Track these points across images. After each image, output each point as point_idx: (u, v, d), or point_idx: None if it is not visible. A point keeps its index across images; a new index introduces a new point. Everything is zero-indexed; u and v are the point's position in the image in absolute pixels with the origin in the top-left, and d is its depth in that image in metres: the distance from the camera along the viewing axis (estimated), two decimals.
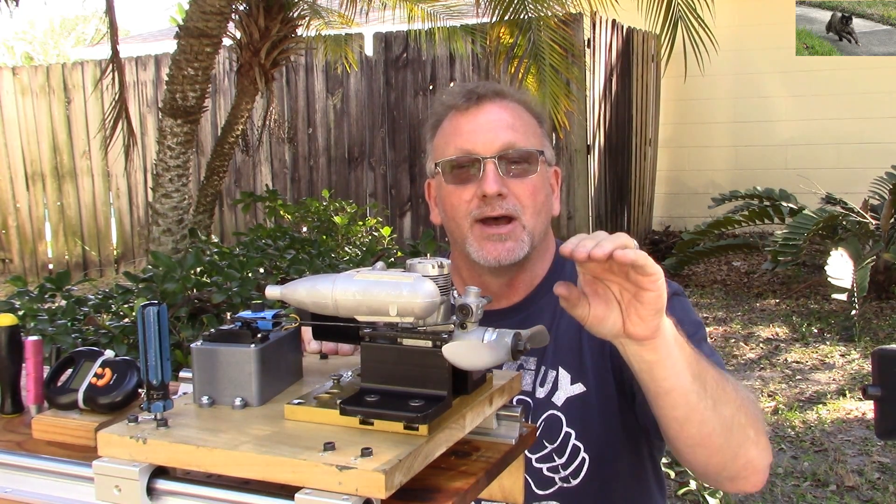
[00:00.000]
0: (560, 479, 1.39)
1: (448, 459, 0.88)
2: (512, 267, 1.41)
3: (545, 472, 1.38)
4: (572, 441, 1.38)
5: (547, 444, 1.38)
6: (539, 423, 1.39)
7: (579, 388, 1.40)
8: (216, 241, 5.50)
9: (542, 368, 1.42)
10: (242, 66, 5.91)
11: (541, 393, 1.41)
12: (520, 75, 5.52)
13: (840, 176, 8.40)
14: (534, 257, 1.44)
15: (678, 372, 1.09)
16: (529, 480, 1.38)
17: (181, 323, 3.10)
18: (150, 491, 0.81)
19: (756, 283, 7.45)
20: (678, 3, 5.23)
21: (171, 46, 5.58)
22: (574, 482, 1.38)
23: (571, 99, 5.92)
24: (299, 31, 6.28)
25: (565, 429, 1.38)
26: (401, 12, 7.28)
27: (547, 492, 1.40)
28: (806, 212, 6.53)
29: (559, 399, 1.39)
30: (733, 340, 5.83)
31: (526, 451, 1.07)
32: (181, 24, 5.13)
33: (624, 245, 0.96)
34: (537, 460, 1.38)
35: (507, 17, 5.39)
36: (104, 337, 2.93)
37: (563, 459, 1.38)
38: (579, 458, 1.38)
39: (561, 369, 1.41)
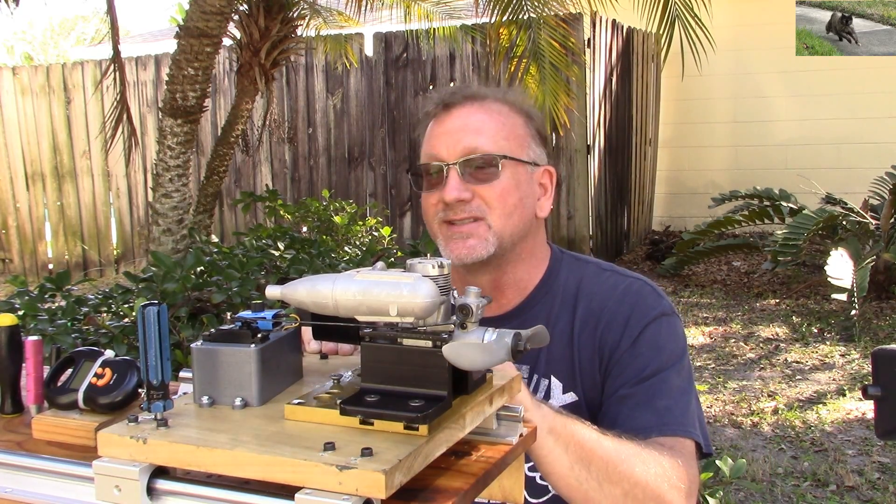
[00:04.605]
0: None
1: (448, 459, 0.88)
2: (484, 267, 1.41)
3: (538, 481, 1.39)
4: None
5: None
6: None
7: (571, 397, 1.40)
8: (216, 241, 5.50)
9: (535, 377, 1.42)
10: (242, 66, 5.91)
11: None
12: (520, 74, 5.52)
13: (840, 176, 8.40)
14: (514, 260, 1.44)
15: (552, 460, 1.14)
16: None
17: (181, 323, 3.10)
18: (150, 491, 0.81)
19: (756, 283, 7.45)
20: (675, 2, 5.23)
21: (171, 46, 5.58)
22: None
23: (572, 96, 5.92)
24: (299, 31, 6.28)
25: None
26: (400, 12, 7.28)
27: (540, 500, 1.41)
28: (806, 212, 6.53)
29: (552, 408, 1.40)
30: (733, 340, 5.83)
31: None
32: (181, 24, 5.13)
33: None
34: (531, 468, 1.38)
35: (506, 17, 5.39)
36: (104, 337, 2.93)
37: None
38: None
39: (553, 378, 1.41)
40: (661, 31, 5.33)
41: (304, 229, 6.08)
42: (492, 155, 1.39)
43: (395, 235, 6.24)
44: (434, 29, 7.42)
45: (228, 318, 2.81)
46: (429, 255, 0.92)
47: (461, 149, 1.38)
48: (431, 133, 1.43)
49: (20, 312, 3.02)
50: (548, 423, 1.12)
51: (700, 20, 5.23)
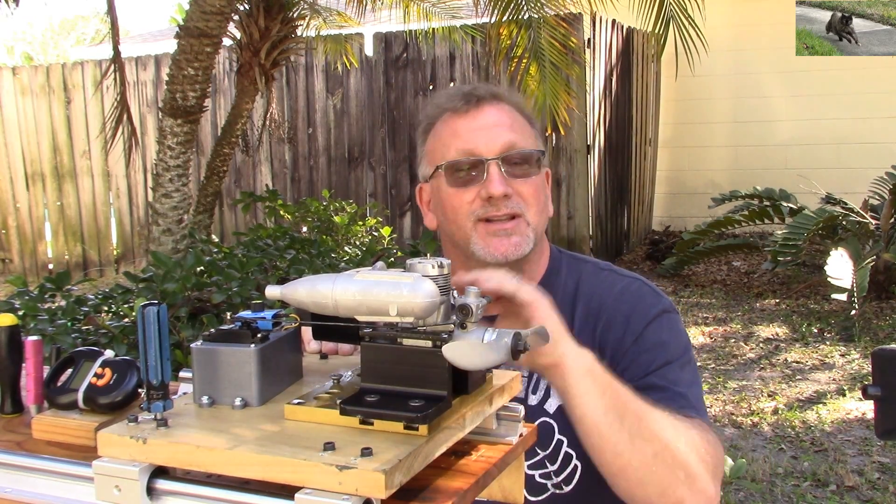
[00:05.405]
0: (552, 485, 1.39)
1: (448, 459, 0.88)
2: (516, 264, 1.40)
3: (537, 479, 1.38)
4: (564, 448, 1.38)
5: (539, 451, 1.38)
6: None
7: None
8: (216, 240, 5.51)
9: (535, 375, 1.41)
10: (242, 66, 5.91)
11: (533, 400, 1.40)
12: (520, 74, 5.52)
13: (840, 176, 8.40)
14: (532, 258, 1.44)
15: (587, 402, 1.11)
16: None
17: (181, 323, 3.10)
18: (150, 491, 0.81)
19: (756, 283, 7.45)
20: (670, 3, 5.24)
21: (171, 46, 5.58)
22: (566, 489, 1.38)
23: (572, 95, 5.92)
24: (299, 31, 6.28)
25: (557, 436, 1.38)
26: (399, 12, 7.29)
27: (539, 498, 1.40)
28: (806, 212, 6.53)
29: (551, 406, 1.39)
30: (733, 340, 5.83)
31: None
32: (181, 24, 5.14)
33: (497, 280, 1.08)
34: (530, 466, 1.38)
35: (506, 17, 5.40)
36: (104, 337, 2.93)
37: (556, 466, 1.38)
38: (571, 465, 1.37)
39: None
40: (656, 32, 5.34)
41: (304, 229, 6.08)
42: (531, 151, 1.39)
43: (395, 235, 6.25)
44: (434, 29, 7.42)
45: (228, 318, 2.81)
46: (429, 255, 0.92)
47: (501, 144, 1.37)
48: (458, 128, 1.40)
49: (20, 312, 3.02)
50: (586, 364, 1.11)
51: (694, 21, 5.24)
